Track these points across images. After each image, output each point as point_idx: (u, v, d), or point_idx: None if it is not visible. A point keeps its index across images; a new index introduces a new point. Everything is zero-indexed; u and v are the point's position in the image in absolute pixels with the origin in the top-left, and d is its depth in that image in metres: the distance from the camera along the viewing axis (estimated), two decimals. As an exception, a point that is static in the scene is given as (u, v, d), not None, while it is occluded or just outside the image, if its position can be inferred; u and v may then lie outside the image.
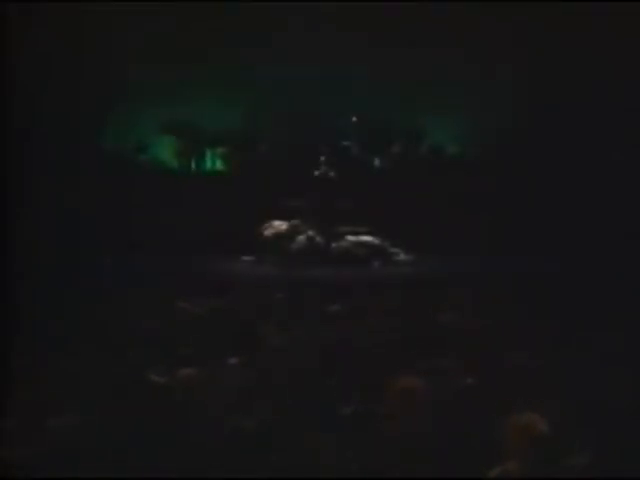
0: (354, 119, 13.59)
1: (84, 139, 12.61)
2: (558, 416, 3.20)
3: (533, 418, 3.13)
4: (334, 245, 10.72)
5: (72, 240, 10.86)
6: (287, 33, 13.25)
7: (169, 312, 5.72)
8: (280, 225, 10.87)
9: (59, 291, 6.77)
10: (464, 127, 13.07)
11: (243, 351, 4.64)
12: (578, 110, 11.98)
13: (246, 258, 10.88)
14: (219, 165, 13.74)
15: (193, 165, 13.65)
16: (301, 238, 10.59)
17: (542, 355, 4.40)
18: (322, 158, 11.40)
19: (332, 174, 11.16)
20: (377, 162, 13.85)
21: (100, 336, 5.01)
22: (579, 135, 12.02)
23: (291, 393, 3.97)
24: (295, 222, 10.80)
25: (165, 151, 13.43)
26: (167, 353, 4.66)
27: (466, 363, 4.32)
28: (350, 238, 10.83)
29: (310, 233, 10.61)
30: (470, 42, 12.57)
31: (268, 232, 10.82)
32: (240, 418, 3.62)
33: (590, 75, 11.83)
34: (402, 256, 10.90)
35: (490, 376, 4.05)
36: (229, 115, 13.31)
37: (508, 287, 7.17)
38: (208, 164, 13.69)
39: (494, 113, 12.80)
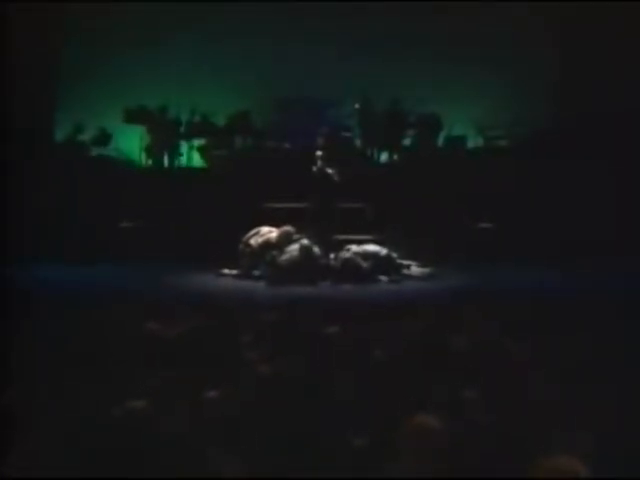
0: (356, 106, 13.69)
1: (33, 129, 12.69)
2: (593, 459, 3.25)
3: (570, 463, 3.18)
4: (333, 256, 10.76)
5: (17, 248, 10.92)
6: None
7: (135, 335, 5.75)
8: (269, 232, 10.91)
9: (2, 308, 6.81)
10: (492, 115, 13.19)
11: (224, 382, 4.68)
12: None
13: (228, 272, 10.91)
14: (196, 160, 13.81)
15: (165, 160, 13.73)
16: (294, 248, 10.63)
17: (577, 386, 4.45)
18: (319, 152, 11.44)
19: (331, 171, 11.20)
20: (384, 156, 13.94)
21: (51, 364, 5.04)
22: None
23: (280, 431, 4.01)
24: (287, 228, 10.83)
25: (131, 143, 13.49)
26: (133, 384, 4.69)
27: (487, 396, 4.36)
28: (352, 248, 10.87)
29: (305, 242, 10.65)
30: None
31: (255, 240, 10.86)
32: (221, 460, 3.66)
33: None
34: (414, 269, 10.95)
35: (516, 411, 4.10)
36: (208, 101, 13.40)
37: (540, 306, 7.21)
38: (182, 159, 13.76)
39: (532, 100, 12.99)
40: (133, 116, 13.36)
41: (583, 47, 13.16)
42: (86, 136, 13.43)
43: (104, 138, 13.43)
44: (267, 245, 10.74)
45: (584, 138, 12.51)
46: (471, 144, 13.58)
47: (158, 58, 13.81)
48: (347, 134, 13.86)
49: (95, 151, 13.44)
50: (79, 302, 7.47)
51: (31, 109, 12.81)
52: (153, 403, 4.09)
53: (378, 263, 10.73)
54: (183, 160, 13.73)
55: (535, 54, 13.56)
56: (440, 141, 13.66)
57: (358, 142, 14.02)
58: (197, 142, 13.80)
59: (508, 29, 13.48)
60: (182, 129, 13.68)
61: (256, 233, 10.95)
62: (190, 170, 13.58)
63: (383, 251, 10.81)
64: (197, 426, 4.00)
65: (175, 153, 13.69)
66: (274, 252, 10.60)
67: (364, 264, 10.64)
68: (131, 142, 13.45)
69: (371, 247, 10.92)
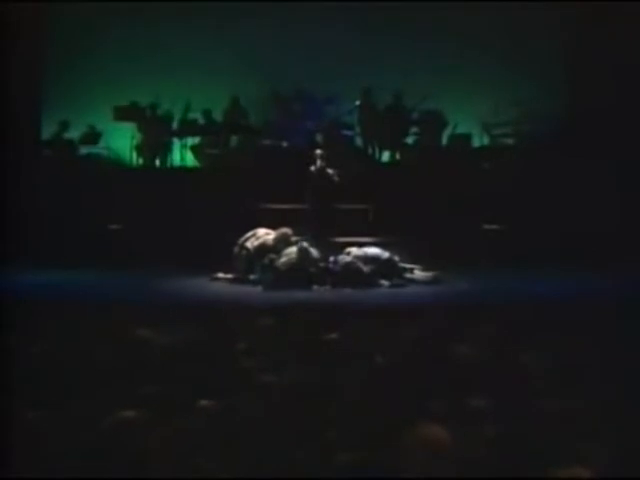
0: (357, 102, 13.69)
1: (18, 128, 12.68)
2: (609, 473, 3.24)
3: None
4: (333, 259, 10.74)
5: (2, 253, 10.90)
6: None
7: (126, 343, 5.73)
8: (266, 234, 10.89)
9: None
10: (498, 112, 13.19)
11: (219, 391, 4.66)
12: None
13: (223, 276, 10.90)
14: (189, 159, 13.80)
15: (156, 159, 13.72)
16: (292, 251, 10.61)
17: (591, 397, 4.43)
18: (318, 151, 11.42)
19: (330, 170, 11.18)
20: (387, 155, 13.94)
21: (39, 372, 5.02)
22: None
23: (278, 444, 3.99)
24: (284, 230, 10.82)
25: (121, 142, 13.48)
26: (123, 394, 4.67)
27: (497, 407, 4.35)
28: (352, 251, 10.86)
29: (303, 244, 10.63)
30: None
31: (251, 243, 10.84)
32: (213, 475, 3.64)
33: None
34: (417, 273, 10.93)
35: (526, 422, 4.08)
36: (201, 98, 13.39)
37: (552, 312, 7.20)
38: (175, 158, 13.75)
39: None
40: (123, 113, 13.36)
41: (597, 39, 13.15)
42: (74, 134, 13.42)
43: (93, 136, 13.43)
44: (264, 248, 10.72)
45: (596, 136, 12.51)
46: (476, 142, 13.58)
47: (149, 52, 13.81)
48: (347, 132, 13.86)
49: (83, 150, 13.43)
50: (64, 308, 7.42)
51: (15, 106, 12.80)
52: (144, 415, 4.07)
53: (379, 267, 10.71)
54: (176, 159, 13.72)
55: (545, 47, 13.57)
56: (444, 139, 13.66)
57: (359, 140, 14.03)
58: (190, 140, 13.79)
59: (517, 20, 13.48)
60: (174, 127, 13.67)
61: (252, 235, 10.93)
62: (183, 169, 13.57)
63: (385, 254, 10.79)
64: (191, 439, 3.98)
65: (167, 152, 13.68)
66: (271, 255, 10.58)
67: (365, 268, 10.63)
68: (121, 140, 13.45)
69: (372, 250, 10.90)
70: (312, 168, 11.23)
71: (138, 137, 13.52)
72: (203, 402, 4.42)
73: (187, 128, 13.64)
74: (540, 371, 5.02)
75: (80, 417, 4.10)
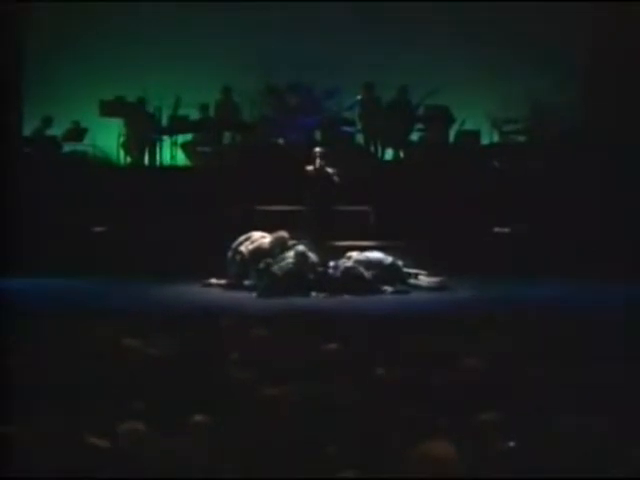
0: (359, 96, 13.69)
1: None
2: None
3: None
4: (333, 264, 10.75)
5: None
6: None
7: (114, 353, 5.73)
8: (261, 237, 10.89)
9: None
10: (508, 107, 13.20)
11: (212, 405, 4.66)
12: None
13: (216, 281, 10.90)
14: (179, 157, 13.81)
15: (145, 157, 13.72)
16: (289, 255, 10.62)
17: (609, 413, 4.43)
18: (317, 149, 11.43)
19: (330, 169, 11.19)
20: (390, 153, 13.95)
21: (22, 384, 5.02)
22: None
23: (275, 461, 4.00)
24: (281, 234, 10.82)
25: (107, 138, 13.48)
26: (111, 408, 4.67)
27: (508, 423, 4.35)
28: (353, 255, 10.87)
29: (301, 248, 10.63)
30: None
31: (245, 247, 10.84)
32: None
33: None
34: (423, 278, 10.94)
35: (539, 440, 4.09)
36: (192, 92, 13.39)
37: (566, 321, 7.20)
38: (164, 156, 13.76)
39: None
40: (110, 108, 13.35)
41: (615, 28, 13.14)
42: (57, 131, 13.43)
43: (77, 133, 13.43)
44: (259, 252, 10.72)
45: (615, 132, 12.51)
46: (486, 140, 13.59)
47: (137, 44, 13.81)
48: (348, 128, 13.87)
49: (67, 147, 13.44)
50: (45, 317, 7.41)
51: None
52: (131, 431, 4.07)
53: (382, 272, 10.71)
54: (165, 157, 13.72)
55: (559, 37, 13.56)
56: (451, 136, 13.67)
57: (360, 137, 14.03)
58: (181, 137, 13.79)
59: (529, 8, 13.48)
60: (164, 123, 13.68)
61: (247, 239, 10.93)
62: (173, 168, 13.58)
63: (388, 259, 10.80)
64: (183, 455, 3.98)
65: (156, 149, 13.68)
66: (267, 260, 10.58)
67: (366, 273, 10.63)
68: (108, 137, 13.44)
69: (374, 254, 10.91)
70: (310, 167, 11.23)
71: (125, 134, 13.52)
72: (194, 417, 4.42)
73: (177, 124, 13.64)
74: (554, 384, 5.02)
75: (60, 434, 4.10)
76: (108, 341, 6.01)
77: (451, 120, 13.58)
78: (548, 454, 3.95)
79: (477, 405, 4.56)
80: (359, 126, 13.92)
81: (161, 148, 13.72)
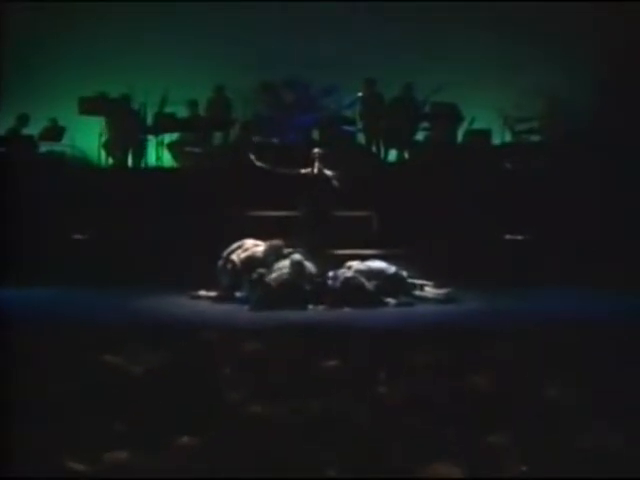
0: (360, 94, 13.72)
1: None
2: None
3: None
4: (332, 275, 10.76)
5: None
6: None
7: (92, 370, 5.74)
8: (254, 245, 10.91)
9: None
10: (522, 104, 13.22)
11: (199, 426, 4.67)
12: None
13: (205, 293, 10.91)
14: (166, 159, 13.82)
15: (129, 158, 13.74)
16: (284, 264, 10.63)
17: (626, 433, 4.45)
18: (315, 150, 11.45)
19: (328, 172, 11.21)
20: (394, 154, 13.97)
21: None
22: None
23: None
24: (276, 241, 10.84)
25: (88, 138, 13.50)
26: (90, 429, 4.68)
27: (521, 444, 4.37)
28: (354, 264, 10.88)
29: (297, 257, 10.65)
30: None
31: (237, 256, 10.86)
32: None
33: None
34: (429, 290, 10.95)
35: (551, 460, 4.11)
36: (180, 88, 13.42)
37: (584, 336, 7.21)
38: (150, 157, 13.78)
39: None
40: (91, 106, 13.38)
41: (635, 20, 13.19)
42: (34, 130, 13.44)
43: (55, 132, 13.44)
44: (252, 261, 10.73)
45: (635, 132, 12.54)
46: (497, 139, 13.61)
47: (121, 36, 13.84)
48: (348, 127, 13.89)
49: (44, 147, 13.45)
50: (19, 331, 7.42)
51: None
52: (113, 454, 4.09)
53: (385, 283, 10.72)
54: (151, 158, 13.74)
55: (576, 29, 13.60)
56: (459, 136, 13.69)
57: (361, 137, 14.05)
58: (168, 137, 13.81)
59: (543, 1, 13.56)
60: (149, 121, 13.70)
61: (239, 247, 10.94)
62: (159, 171, 13.59)
63: (391, 268, 10.81)
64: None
65: (141, 150, 13.70)
66: (260, 270, 10.59)
67: (368, 284, 10.64)
68: (88, 137, 13.46)
69: (376, 264, 10.91)
70: (308, 169, 11.25)
71: (107, 133, 13.53)
72: (182, 439, 4.44)
73: (164, 123, 13.66)
74: (569, 403, 5.04)
75: (34, 460, 4.12)
76: (87, 357, 6.01)
77: (459, 118, 13.61)
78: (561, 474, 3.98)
79: (486, 425, 4.57)
80: (360, 125, 13.95)
81: (146, 148, 13.73)
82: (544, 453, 4.27)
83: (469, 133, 13.60)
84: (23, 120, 13.38)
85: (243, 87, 13.55)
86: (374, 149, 13.94)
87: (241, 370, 5.86)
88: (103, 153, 13.58)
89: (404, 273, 10.88)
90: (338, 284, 10.63)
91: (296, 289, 10.46)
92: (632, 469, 4.04)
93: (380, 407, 5.09)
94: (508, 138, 13.65)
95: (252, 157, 11.30)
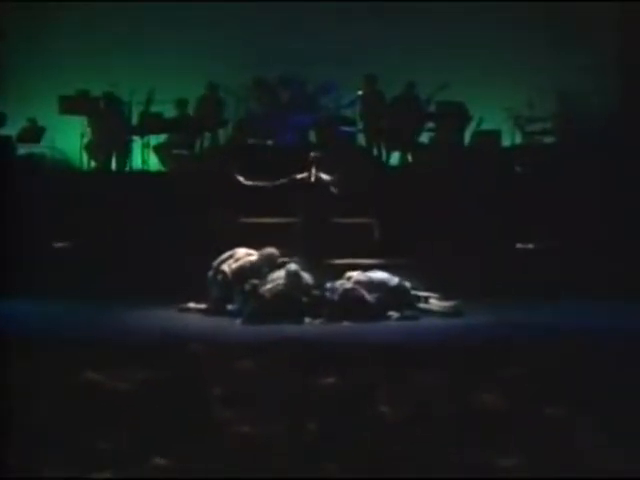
0: (360, 92, 13.73)
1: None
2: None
3: None
4: (330, 286, 10.76)
5: None
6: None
7: (74, 387, 5.74)
8: (247, 255, 10.91)
9: None
10: (533, 104, 13.23)
11: (186, 448, 4.67)
12: None
13: (194, 306, 10.90)
14: (152, 161, 13.83)
15: (112, 161, 13.74)
16: (279, 275, 10.63)
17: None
18: (312, 154, 11.46)
19: (326, 176, 11.22)
20: (396, 156, 13.98)
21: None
22: None
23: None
24: (270, 250, 10.84)
25: (69, 139, 13.51)
26: (71, 448, 4.68)
27: (534, 468, 4.37)
28: (355, 276, 10.88)
29: (293, 267, 10.65)
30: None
31: (228, 266, 10.85)
32: None
33: None
34: (434, 302, 10.95)
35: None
36: (167, 86, 13.43)
37: (602, 354, 7.22)
38: (135, 160, 13.78)
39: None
40: (72, 105, 13.39)
41: None
42: (11, 130, 13.45)
43: (34, 133, 13.45)
44: (244, 271, 10.73)
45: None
46: (507, 141, 13.62)
47: (104, 30, 13.85)
48: (347, 128, 13.90)
49: (23, 149, 13.45)
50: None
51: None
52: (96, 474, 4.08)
53: (387, 295, 10.72)
54: (136, 161, 13.74)
55: (592, 24, 13.62)
56: (467, 137, 13.70)
57: (362, 138, 14.07)
58: (154, 139, 13.82)
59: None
60: (134, 122, 13.70)
61: (230, 256, 10.94)
62: (145, 174, 13.59)
63: (394, 280, 10.81)
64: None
65: (126, 152, 13.70)
66: (253, 281, 10.59)
67: (369, 296, 10.64)
68: (69, 138, 13.47)
69: (378, 274, 10.91)
70: (304, 174, 11.25)
71: (90, 134, 13.54)
72: (165, 461, 4.43)
73: (150, 123, 13.66)
74: (584, 425, 5.04)
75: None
76: (69, 374, 6.00)
77: (467, 118, 13.63)
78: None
79: (495, 448, 4.57)
80: (360, 125, 13.97)
81: (131, 151, 13.73)
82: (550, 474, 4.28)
83: (477, 134, 13.62)
84: (1, 121, 13.39)
85: (235, 85, 13.56)
86: (375, 151, 13.95)
87: (232, 388, 5.85)
88: (85, 155, 13.58)
89: (408, 284, 10.87)
90: (337, 296, 10.63)
91: (292, 301, 10.46)
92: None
93: (381, 428, 5.09)
94: (519, 139, 13.66)
95: (240, 178, 11.24)
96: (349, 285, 10.73)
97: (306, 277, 10.67)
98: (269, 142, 13.61)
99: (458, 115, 13.60)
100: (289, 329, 9.93)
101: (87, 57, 13.83)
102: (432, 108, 13.74)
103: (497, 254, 12.04)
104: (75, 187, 12.75)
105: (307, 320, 10.40)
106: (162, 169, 13.78)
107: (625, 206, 12.18)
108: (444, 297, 10.98)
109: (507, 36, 13.81)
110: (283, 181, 11.11)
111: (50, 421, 5.12)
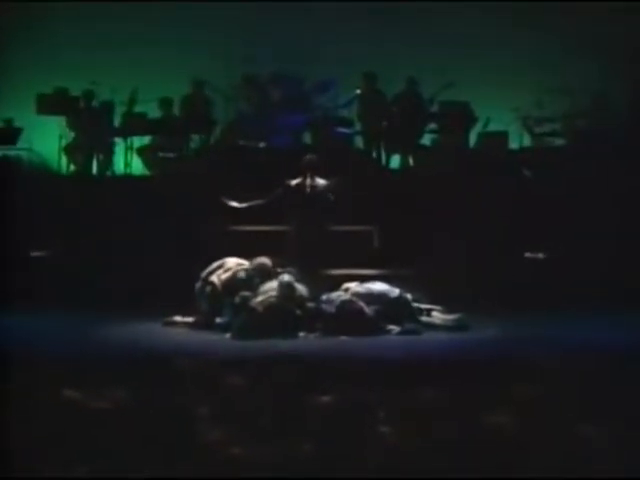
0: (358, 91, 13.74)
1: None
2: None
3: None
4: (326, 298, 10.76)
5: None
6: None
7: (50, 408, 5.74)
8: (237, 265, 10.91)
9: None
10: (542, 104, 13.26)
11: (174, 469, 4.67)
12: None
13: (181, 319, 10.90)
14: (135, 165, 13.84)
15: (93, 164, 13.74)
16: (271, 286, 10.63)
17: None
18: (307, 157, 11.46)
19: (322, 180, 11.23)
20: (397, 159, 13.99)
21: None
22: None
23: None
24: (262, 260, 10.84)
25: (47, 141, 13.51)
26: (52, 469, 4.68)
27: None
28: (353, 287, 10.88)
29: (286, 278, 10.65)
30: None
31: (217, 277, 10.85)
32: None
33: None
34: (437, 315, 10.96)
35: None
36: (152, 85, 13.44)
37: (617, 370, 7.23)
38: (118, 163, 13.78)
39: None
40: (50, 104, 13.40)
41: None
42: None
43: (10, 134, 13.45)
44: (234, 283, 10.73)
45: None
46: (514, 143, 13.64)
47: (84, 26, 13.86)
48: (344, 129, 13.91)
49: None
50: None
51: None
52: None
53: (387, 307, 10.72)
54: (119, 164, 13.75)
55: (604, 20, 13.65)
56: (472, 139, 13.72)
57: (360, 140, 14.08)
58: (138, 140, 13.82)
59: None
60: (117, 122, 13.71)
61: (219, 266, 10.94)
62: (128, 178, 13.60)
63: (394, 291, 10.81)
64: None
65: (107, 155, 13.71)
66: (244, 292, 10.59)
67: (368, 309, 10.64)
68: (47, 140, 13.47)
69: (377, 286, 10.91)
70: (299, 179, 11.26)
71: (69, 135, 13.55)
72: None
73: (133, 124, 13.67)
74: (600, 445, 5.04)
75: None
76: (46, 392, 6.00)
77: (472, 119, 13.64)
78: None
79: (504, 471, 4.57)
80: (358, 126, 13.97)
81: (113, 153, 13.74)
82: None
83: (483, 136, 13.63)
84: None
85: (224, 83, 13.56)
86: (374, 154, 13.96)
87: (221, 407, 5.85)
88: (64, 158, 13.58)
89: (409, 296, 10.88)
90: (333, 309, 10.62)
91: (285, 315, 10.45)
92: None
93: (381, 449, 5.09)
94: (527, 141, 13.67)
95: (233, 203, 11.22)
96: (346, 297, 10.72)
97: (300, 289, 10.67)
98: (261, 144, 13.60)
99: (463, 116, 13.62)
100: (282, 344, 9.92)
101: (66, 54, 13.83)
102: (435, 108, 13.75)
103: (504, 264, 12.03)
104: (53, 192, 12.74)
105: (301, 334, 10.39)
106: (146, 173, 13.78)
107: (635, 209, 12.19)
108: (448, 310, 10.98)
109: (515, 32, 13.82)
110: (278, 192, 11.09)
111: (22, 443, 5.11)
